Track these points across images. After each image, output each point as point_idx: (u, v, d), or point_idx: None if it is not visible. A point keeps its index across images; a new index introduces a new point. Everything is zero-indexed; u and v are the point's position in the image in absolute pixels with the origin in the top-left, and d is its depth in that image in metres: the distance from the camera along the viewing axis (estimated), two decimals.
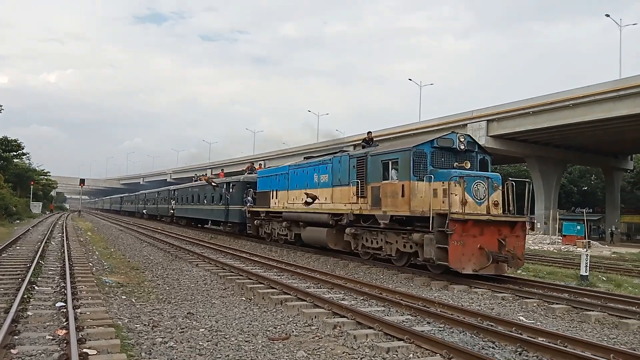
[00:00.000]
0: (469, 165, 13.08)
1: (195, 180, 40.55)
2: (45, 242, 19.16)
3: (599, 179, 62.62)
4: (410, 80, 59.08)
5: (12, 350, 5.63)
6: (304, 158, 21.34)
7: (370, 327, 7.19)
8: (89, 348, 5.68)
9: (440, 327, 7.51)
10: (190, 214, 36.95)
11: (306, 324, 7.70)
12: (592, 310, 8.87)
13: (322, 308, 8.47)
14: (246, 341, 6.65)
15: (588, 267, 13.57)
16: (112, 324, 6.94)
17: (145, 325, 7.36)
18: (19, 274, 11.04)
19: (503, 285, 11.17)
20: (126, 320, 7.58)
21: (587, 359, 5.88)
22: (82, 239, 22.88)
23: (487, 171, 13.53)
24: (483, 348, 6.52)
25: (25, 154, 60.93)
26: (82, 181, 66.40)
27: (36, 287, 9.62)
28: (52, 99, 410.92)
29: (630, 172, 55.40)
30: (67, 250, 15.78)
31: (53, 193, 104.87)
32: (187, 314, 8.24)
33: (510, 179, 13.02)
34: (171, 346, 6.31)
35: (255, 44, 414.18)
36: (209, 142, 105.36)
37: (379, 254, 14.79)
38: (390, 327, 7.05)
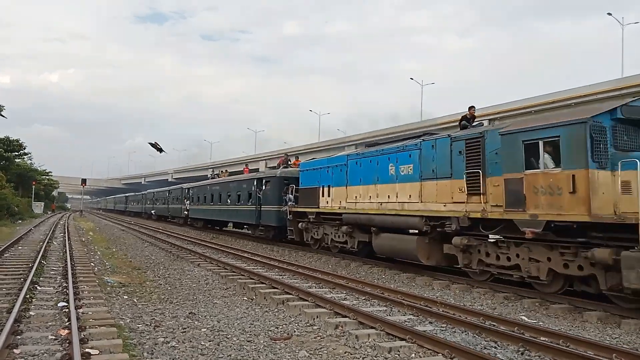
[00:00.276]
0: None
1: (213, 177, 36.40)
2: (47, 242, 19.20)
3: None
4: (412, 79, 59.14)
5: (14, 350, 5.64)
6: (366, 146, 17.08)
7: (372, 327, 7.19)
8: (91, 348, 5.70)
9: (443, 327, 7.50)
10: (209, 215, 32.21)
11: (308, 324, 7.70)
12: (595, 310, 8.85)
13: (324, 308, 8.46)
14: (248, 341, 6.66)
15: None
16: (114, 324, 6.96)
17: (147, 325, 7.37)
18: (21, 274, 11.07)
19: (505, 285, 11.14)
20: (128, 320, 7.59)
21: (590, 359, 5.87)
22: (84, 239, 22.92)
23: None
24: (485, 348, 6.51)
25: (27, 154, 61.10)
26: (84, 181, 66.51)
27: (38, 287, 9.65)
28: (54, 98, 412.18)
29: None
30: (69, 250, 15.81)
31: (55, 193, 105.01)
32: (189, 313, 8.25)
33: None
34: (173, 346, 6.32)
35: (256, 43, 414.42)
36: (210, 141, 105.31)
37: (508, 275, 10.49)
38: (392, 327, 7.05)
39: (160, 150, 36.91)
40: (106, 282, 10.98)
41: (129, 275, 12.53)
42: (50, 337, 6.29)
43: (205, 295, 10.09)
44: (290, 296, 9.55)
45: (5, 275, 11.03)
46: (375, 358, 6.10)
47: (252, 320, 7.91)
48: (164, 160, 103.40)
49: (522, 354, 6.31)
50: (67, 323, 6.78)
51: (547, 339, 6.71)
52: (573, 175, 8.77)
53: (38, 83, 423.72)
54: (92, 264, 13.83)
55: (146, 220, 51.71)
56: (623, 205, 8.40)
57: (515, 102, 36.81)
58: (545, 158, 9.36)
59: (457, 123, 14.25)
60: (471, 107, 13.63)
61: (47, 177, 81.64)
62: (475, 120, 13.71)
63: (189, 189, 37.29)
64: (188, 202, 36.59)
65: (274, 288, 10.39)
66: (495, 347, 6.57)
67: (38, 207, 61.31)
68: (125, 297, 9.63)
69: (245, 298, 9.96)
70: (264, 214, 22.67)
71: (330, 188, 16.88)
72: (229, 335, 6.90)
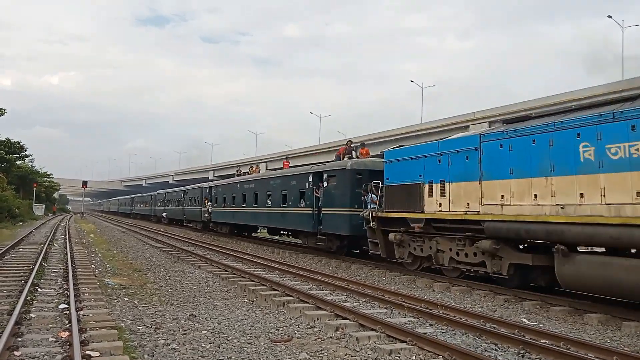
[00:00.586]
0: None
1: (239, 175, 30.65)
2: (48, 244, 19.21)
3: None
4: (412, 82, 59.19)
5: (15, 353, 5.65)
6: (503, 122, 12.14)
7: (372, 329, 7.19)
8: (91, 350, 5.70)
9: (443, 329, 7.50)
10: (239, 219, 26.51)
11: (308, 326, 7.70)
12: (595, 312, 8.84)
13: (325, 310, 8.47)
14: (249, 343, 6.66)
15: None
16: (115, 326, 6.96)
17: (147, 327, 7.38)
18: (22, 276, 11.07)
19: (505, 288, 11.13)
20: (129, 322, 7.60)
21: None
22: (84, 241, 22.93)
23: None
24: (486, 350, 6.51)
25: (28, 156, 61.10)
26: (85, 183, 66.75)
27: (39, 289, 9.65)
28: (55, 100, 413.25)
29: None
30: (70, 252, 15.81)
31: (56, 195, 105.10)
32: (190, 315, 8.25)
33: None
34: (174, 348, 6.32)
35: (256, 44, 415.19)
36: (210, 143, 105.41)
37: None
38: (393, 329, 7.05)
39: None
40: (107, 284, 10.99)
41: (129, 277, 12.53)
42: (51, 339, 6.30)
43: (206, 298, 10.09)
44: (291, 298, 9.55)
45: (6, 277, 11.04)
46: None
47: (252, 322, 7.92)
48: (164, 162, 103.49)
49: (522, 356, 6.30)
50: (68, 325, 6.78)
51: (547, 341, 6.70)
52: None
53: (39, 85, 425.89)
54: (92, 266, 13.84)
55: (154, 224, 47.49)
56: None
57: (517, 103, 36.81)
58: None
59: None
60: None
61: (48, 179, 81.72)
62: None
63: (211, 188, 32.08)
64: (209, 203, 31.49)
65: (275, 290, 10.39)
66: (495, 350, 6.57)
67: (39, 209, 61.37)
68: (126, 299, 9.63)
69: (245, 300, 9.96)
70: (327, 220, 17.13)
71: (446, 184, 11.74)
72: (230, 338, 6.90)
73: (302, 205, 18.87)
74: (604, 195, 8.47)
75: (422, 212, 12.25)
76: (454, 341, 6.76)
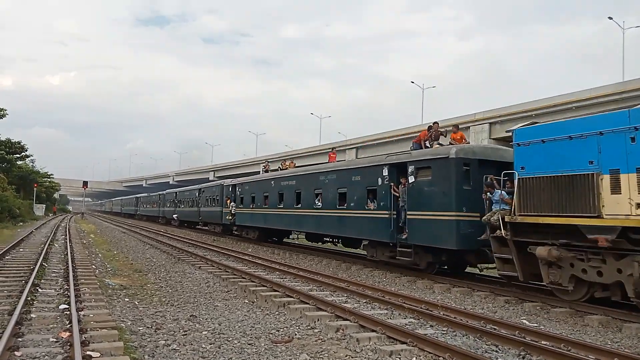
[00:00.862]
0: None
1: (266, 172, 27.54)
2: (49, 245, 19.21)
3: None
4: (413, 82, 59.19)
5: (16, 353, 5.65)
6: None
7: (373, 330, 7.19)
8: (92, 350, 5.70)
9: (444, 330, 7.50)
10: (273, 223, 21.98)
11: (309, 327, 7.70)
12: (596, 314, 8.83)
13: (325, 311, 8.47)
14: (249, 344, 6.66)
15: None
16: (116, 327, 6.96)
17: (148, 327, 7.38)
18: (22, 276, 11.08)
19: (506, 289, 11.13)
20: (129, 323, 7.60)
21: None
22: (85, 241, 22.94)
23: None
24: (486, 351, 6.51)
25: (29, 156, 61.15)
26: (85, 183, 66.82)
27: (40, 289, 9.65)
28: (55, 101, 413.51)
29: None
30: (70, 253, 15.81)
31: (56, 195, 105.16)
32: (190, 316, 8.25)
33: None
34: (174, 349, 6.32)
35: (257, 45, 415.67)
36: (211, 144, 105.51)
37: None
38: (393, 330, 7.04)
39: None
40: (107, 285, 10.99)
41: (130, 277, 12.53)
42: (51, 339, 6.30)
43: (206, 298, 10.09)
44: (291, 299, 9.55)
45: (7, 277, 11.05)
46: None
47: (253, 323, 7.92)
48: (165, 163, 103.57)
49: (523, 357, 6.30)
50: (69, 325, 6.79)
51: (548, 343, 6.70)
52: None
53: (39, 85, 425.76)
54: (93, 266, 13.84)
55: (163, 225, 44.34)
56: None
57: (518, 104, 36.79)
58: None
59: None
60: None
61: (49, 179, 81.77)
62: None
63: (234, 186, 27.56)
64: (233, 204, 26.88)
65: (275, 291, 10.39)
66: (496, 351, 6.57)
67: (39, 209, 61.40)
68: (126, 299, 9.64)
69: (246, 301, 9.96)
70: (416, 227, 12.77)
71: None
72: (230, 338, 6.90)
73: (372, 207, 14.68)
74: None
75: (598, 215, 8.50)
76: (454, 342, 6.75)
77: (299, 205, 19.17)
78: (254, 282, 11.70)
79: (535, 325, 8.27)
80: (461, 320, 7.99)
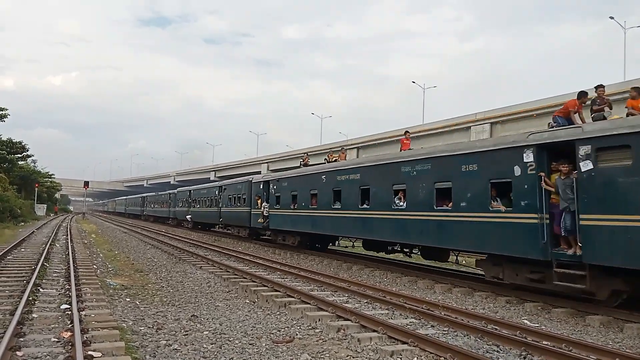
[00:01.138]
0: None
1: (305, 166, 22.39)
2: (50, 245, 19.23)
3: None
4: (414, 82, 59.21)
5: (17, 353, 5.66)
6: None
7: (374, 330, 7.19)
8: (93, 350, 5.70)
9: (445, 331, 7.50)
10: (326, 228, 17.78)
11: (310, 327, 7.70)
12: (597, 314, 8.82)
13: (326, 311, 8.47)
14: (250, 344, 6.66)
15: None
16: (117, 327, 6.97)
17: (149, 327, 7.39)
18: (24, 276, 11.09)
19: (507, 289, 11.12)
20: (130, 323, 7.61)
21: None
22: (86, 242, 22.95)
23: None
24: (487, 352, 6.51)
25: (30, 156, 61.21)
26: (87, 183, 66.84)
27: (41, 290, 9.67)
28: (56, 101, 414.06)
29: None
30: (72, 253, 15.83)
31: (57, 195, 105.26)
32: (191, 316, 8.26)
33: None
34: (175, 349, 6.33)
35: (258, 46, 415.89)
36: (212, 144, 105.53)
37: None
38: (395, 330, 7.04)
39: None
40: (108, 285, 11.00)
41: (131, 277, 12.54)
42: (53, 339, 6.31)
43: (208, 298, 10.10)
44: (292, 299, 9.55)
45: (8, 277, 11.06)
46: None
47: (254, 323, 7.92)
48: (166, 163, 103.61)
49: (524, 358, 6.30)
50: (70, 325, 6.79)
51: (549, 343, 6.70)
52: None
53: (41, 86, 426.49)
54: (94, 266, 13.86)
55: (170, 227, 41.34)
56: None
57: (519, 104, 36.74)
58: None
59: None
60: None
61: (50, 179, 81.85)
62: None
63: (267, 182, 23.02)
64: (266, 204, 22.52)
65: (276, 291, 10.39)
66: (497, 351, 6.56)
67: (41, 209, 61.45)
68: (127, 299, 9.64)
69: (247, 301, 9.96)
70: (602, 238, 8.56)
71: None
72: (231, 338, 6.91)
73: (500, 208, 10.55)
74: None
75: None
76: (455, 342, 6.75)
77: (367, 206, 15.08)
78: (255, 282, 11.71)
79: (537, 325, 8.27)
80: (462, 320, 7.99)
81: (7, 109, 43.96)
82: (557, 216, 9.31)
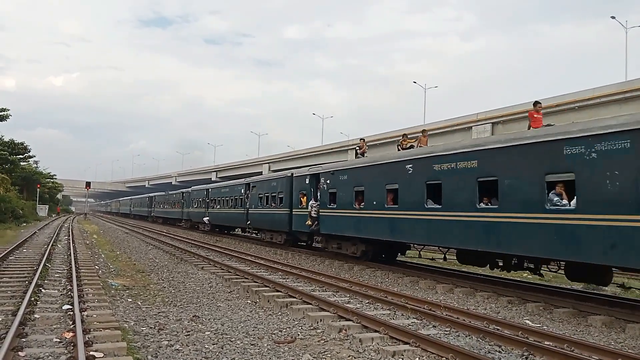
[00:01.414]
0: None
1: (362, 154, 18.66)
2: (52, 245, 19.25)
3: None
4: (415, 82, 59.21)
5: (19, 353, 5.66)
6: None
7: (375, 331, 7.19)
8: (95, 351, 5.71)
9: (446, 331, 7.49)
10: (410, 235, 13.84)
11: (312, 327, 7.70)
12: (599, 314, 8.81)
13: (328, 311, 8.46)
14: (252, 344, 6.66)
15: None
16: (119, 327, 6.97)
17: (151, 328, 7.39)
18: (26, 277, 11.11)
19: (509, 289, 11.11)
20: (132, 323, 7.61)
21: None
22: (88, 242, 22.98)
23: None
24: (489, 352, 6.50)
25: (32, 157, 61.32)
26: (88, 184, 66.85)
27: (43, 290, 9.68)
28: (58, 102, 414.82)
29: None
30: (74, 253, 15.84)
31: (59, 196, 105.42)
32: (193, 316, 8.26)
33: None
34: (177, 349, 6.33)
35: (259, 46, 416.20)
36: (213, 144, 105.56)
37: None
38: (396, 330, 7.04)
39: None
40: (110, 285, 11.01)
41: (133, 278, 12.55)
42: (55, 339, 6.32)
43: (209, 299, 10.10)
44: (294, 299, 9.55)
45: (10, 277, 11.08)
46: None
47: (255, 323, 7.92)
48: (167, 164, 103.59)
49: (526, 358, 6.29)
50: (72, 326, 6.80)
51: (551, 343, 6.69)
52: None
53: (42, 86, 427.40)
54: (96, 266, 13.87)
55: (186, 230, 37.20)
56: None
57: (521, 104, 36.68)
58: None
59: None
60: None
61: (52, 180, 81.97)
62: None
63: (317, 176, 18.59)
64: (315, 203, 18.19)
65: (278, 291, 10.39)
66: (499, 352, 6.56)
67: (42, 210, 61.54)
68: (129, 300, 9.65)
69: (249, 301, 9.96)
70: None
71: None
72: (233, 339, 6.91)
73: None
74: None
75: None
76: (457, 343, 6.75)
77: (490, 205, 10.80)
78: (257, 282, 11.71)
79: (538, 325, 8.26)
80: (464, 320, 7.98)
81: (8, 110, 44.09)
82: None
